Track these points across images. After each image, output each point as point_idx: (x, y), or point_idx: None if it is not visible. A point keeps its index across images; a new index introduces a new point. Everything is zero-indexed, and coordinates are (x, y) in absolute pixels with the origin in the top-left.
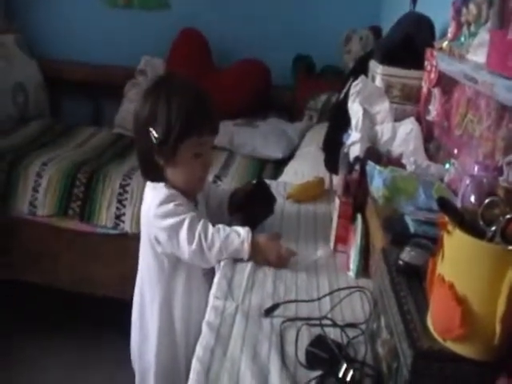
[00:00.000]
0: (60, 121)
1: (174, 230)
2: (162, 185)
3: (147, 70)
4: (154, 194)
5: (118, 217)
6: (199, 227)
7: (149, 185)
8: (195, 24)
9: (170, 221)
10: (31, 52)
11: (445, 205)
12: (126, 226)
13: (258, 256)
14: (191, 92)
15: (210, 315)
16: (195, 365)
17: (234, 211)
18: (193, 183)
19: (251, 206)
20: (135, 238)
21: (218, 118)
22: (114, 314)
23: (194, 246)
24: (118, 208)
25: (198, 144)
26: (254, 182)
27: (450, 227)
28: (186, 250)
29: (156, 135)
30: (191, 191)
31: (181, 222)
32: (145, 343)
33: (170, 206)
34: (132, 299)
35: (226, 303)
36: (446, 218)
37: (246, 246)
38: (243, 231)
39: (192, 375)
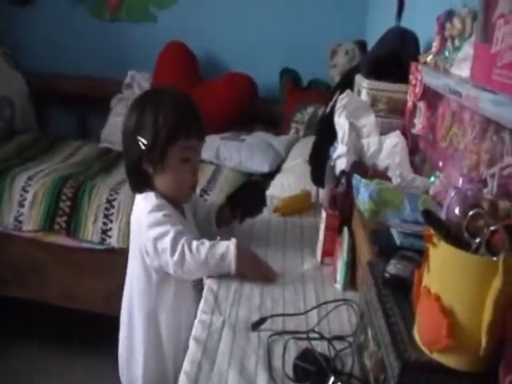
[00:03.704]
0: (46, 134)
1: (158, 240)
2: (152, 194)
3: (134, 84)
4: (144, 203)
5: (104, 232)
6: (182, 240)
7: (139, 196)
8: (181, 37)
9: (156, 230)
10: (17, 65)
11: (430, 217)
12: (113, 241)
13: (243, 260)
14: (179, 97)
15: (197, 330)
16: (182, 379)
17: (225, 205)
18: (182, 190)
19: (242, 197)
20: (122, 252)
21: (205, 124)
22: (101, 329)
23: (175, 257)
24: (104, 223)
25: (185, 148)
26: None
27: (435, 239)
28: (168, 260)
29: (144, 142)
30: (180, 199)
31: (166, 233)
32: (132, 357)
33: (159, 215)
34: (119, 313)
35: (212, 317)
36: (432, 231)
37: (232, 249)
38: (228, 241)
39: None
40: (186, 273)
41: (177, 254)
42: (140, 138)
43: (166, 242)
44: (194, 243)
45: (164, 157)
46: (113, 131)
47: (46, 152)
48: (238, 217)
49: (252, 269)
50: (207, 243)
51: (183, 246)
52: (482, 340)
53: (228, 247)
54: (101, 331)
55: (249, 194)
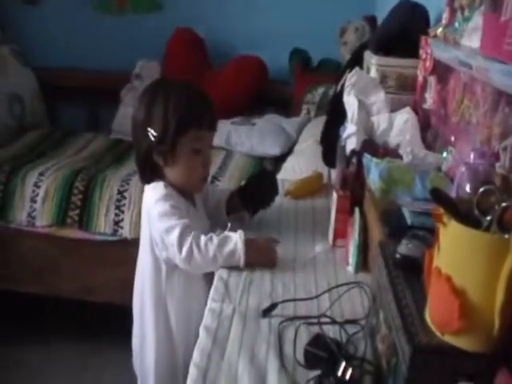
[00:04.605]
0: (57, 128)
1: (165, 234)
2: (161, 184)
3: (143, 74)
4: (153, 192)
5: (116, 223)
6: (190, 236)
7: (148, 186)
8: (189, 23)
9: (164, 223)
10: (26, 61)
11: (439, 196)
12: (125, 232)
13: (251, 254)
14: (188, 88)
15: (207, 319)
16: (192, 370)
17: (237, 196)
18: (193, 181)
19: (255, 189)
20: (135, 243)
21: (216, 114)
22: (116, 320)
23: (183, 253)
24: (116, 214)
25: (196, 138)
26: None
27: (445, 218)
28: (176, 256)
29: (154, 133)
30: (191, 190)
31: (172, 227)
32: (144, 346)
33: (167, 205)
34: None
35: (222, 305)
36: (441, 210)
37: (240, 244)
38: (236, 233)
39: (189, 381)
40: (194, 268)
41: (184, 250)
42: (150, 130)
43: (173, 238)
44: (202, 239)
45: (174, 148)
46: (123, 122)
47: (56, 147)
48: (251, 210)
49: (260, 259)
50: (215, 240)
51: (191, 243)
52: (495, 320)
53: (236, 244)
54: (117, 322)
55: (260, 185)
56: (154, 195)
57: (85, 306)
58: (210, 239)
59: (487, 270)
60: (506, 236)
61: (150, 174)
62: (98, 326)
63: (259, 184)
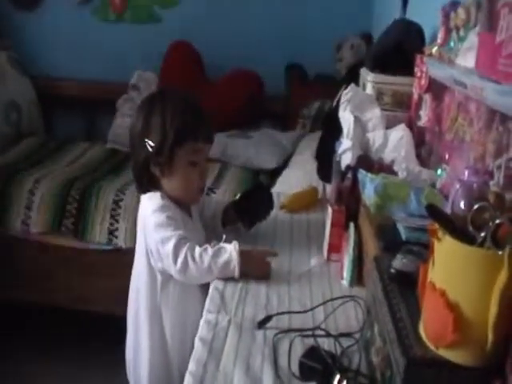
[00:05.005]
0: (54, 137)
1: (160, 245)
2: (157, 194)
3: (140, 85)
4: (149, 202)
5: (111, 232)
6: (185, 248)
7: (145, 196)
8: (187, 36)
9: (160, 234)
10: (23, 69)
11: (434, 212)
12: (120, 242)
13: (246, 264)
14: (185, 100)
15: (202, 330)
16: (188, 378)
17: (232, 209)
18: (189, 193)
19: (250, 203)
20: (129, 252)
21: (213, 126)
22: (110, 329)
23: (178, 265)
24: (111, 223)
25: (193, 151)
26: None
27: (439, 234)
28: (171, 267)
29: (152, 144)
30: (187, 202)
31: (168, 238)
32: (138, 356)
33: (163, 216)
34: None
35: (218, 316)
36: (436, 225)
37: (235, 255)
38: (230, 244)
39: None
40: (189, 279)
41: (179, 261)
42: (147, 141)
43: (169, 249)
44: (197, 251)
45: (171, 160)
46: (119, 132)
47: (52, 155)
48: (246, 223)
49: (254, 271)
50: (210, 250)
51: (186, 254)
52: (489, 334)
53: (231, 254)
54: (111, 331)
55: (256, 200)
56: (150, 205)
57: (78, 315)
58: (205, 250)
59: (481, 285)
60: (500, 252)
61: (146, 184)
62: (91, 335)
63: (255, 198)
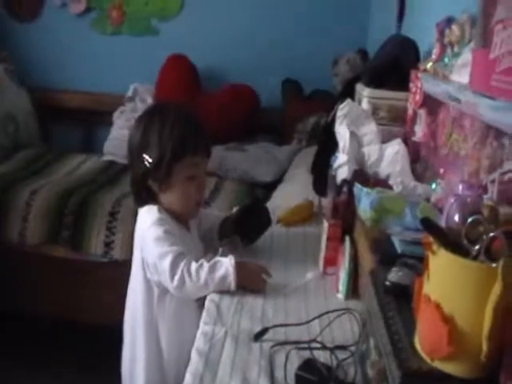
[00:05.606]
0: (50, 148)
1: (157, 260)
2: (155, 208)
3: (136, 98)
4: (147, 216)
5: (107, 244)
6: (182, 264)
7: (142, 209)
8: (183, 49)
9: (157, 249)
10: (21, 81)
11: (429, 225)
12: (116, 254)
13: (242, 277)
14: (184, 114)
15: (199, 342)
16: None
17: (230, 224)
18: (187, 207)
19: (249, 220)
20: (125, 264)
21: (210, 140)
22: (106, 341)
23: (175, 281)
24: (107, 236)
25: (191, 165)
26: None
27: (434, 247)
28: (168, 283)
29: (150, 160)
30: (185, 216)
31: (165, 254)
32: (134, 368)
33: (160, 230)
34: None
35: (214, 328)
36: (431, 238)
37: (231, 269)
38: (226, 258)
39: None
40: (186, 295)
41: (176, 278)
42: (145, 156)
43: (166, 265)
44: (193, 266)
45: (169, 175)
46: (115, 144)
47: (49, 166)
48: (246, 240)
49: (250, 284)
50: (206, 266)
51: (182, 271)
52: (483, 346)
53: (227, 269)
54: (106, 344)
55: (253, 217)
56: (147, 219)
57: (74, 326)
58: (201, 266)
59: (475, 298)
60: (494, 265)
61: (144, 197)
62: (86, 347)
63: (252, 215)
